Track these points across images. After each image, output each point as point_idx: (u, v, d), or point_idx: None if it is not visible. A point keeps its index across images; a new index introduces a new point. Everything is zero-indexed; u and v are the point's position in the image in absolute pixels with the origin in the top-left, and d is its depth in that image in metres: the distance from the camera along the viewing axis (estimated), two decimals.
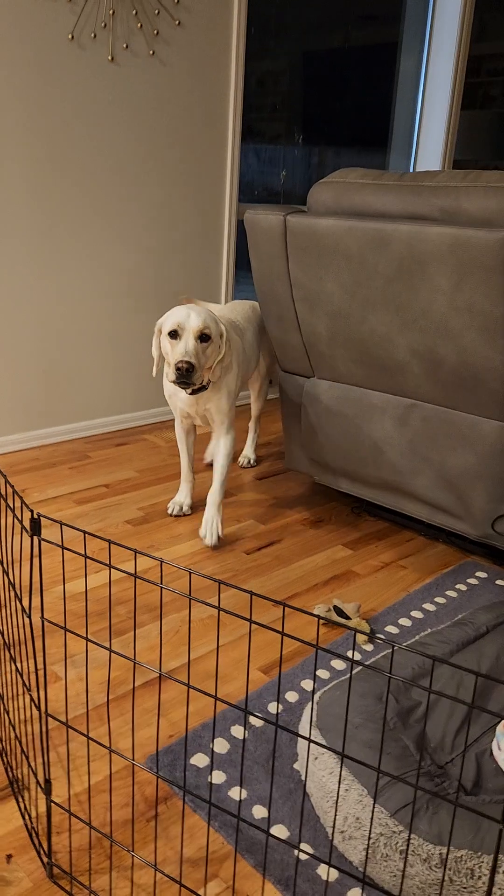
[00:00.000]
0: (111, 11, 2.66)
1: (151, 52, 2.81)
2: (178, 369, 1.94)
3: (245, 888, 1.17)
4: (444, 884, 1.10)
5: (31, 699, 1.06)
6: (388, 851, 1.14)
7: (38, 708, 1.05)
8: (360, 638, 1.79)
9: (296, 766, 1.40)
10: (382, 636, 1.82)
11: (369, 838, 0.91)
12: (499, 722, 1.39)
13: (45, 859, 1.17)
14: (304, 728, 1.42)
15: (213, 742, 1.10)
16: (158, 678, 1.45)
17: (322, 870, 1.20)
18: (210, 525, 2.20)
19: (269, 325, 2.35)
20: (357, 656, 1.75)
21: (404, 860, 0.99)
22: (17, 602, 1.54)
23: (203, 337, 1.98)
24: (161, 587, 0.77)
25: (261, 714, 1.54)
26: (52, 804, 1.28)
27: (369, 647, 1.78)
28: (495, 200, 1.78)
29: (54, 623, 1.02)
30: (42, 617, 0.87)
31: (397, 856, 1.13)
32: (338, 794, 0.84)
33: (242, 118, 3.22)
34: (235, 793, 1.33)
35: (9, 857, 1.20)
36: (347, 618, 1.83)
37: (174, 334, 1.98)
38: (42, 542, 1.40)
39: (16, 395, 2.84)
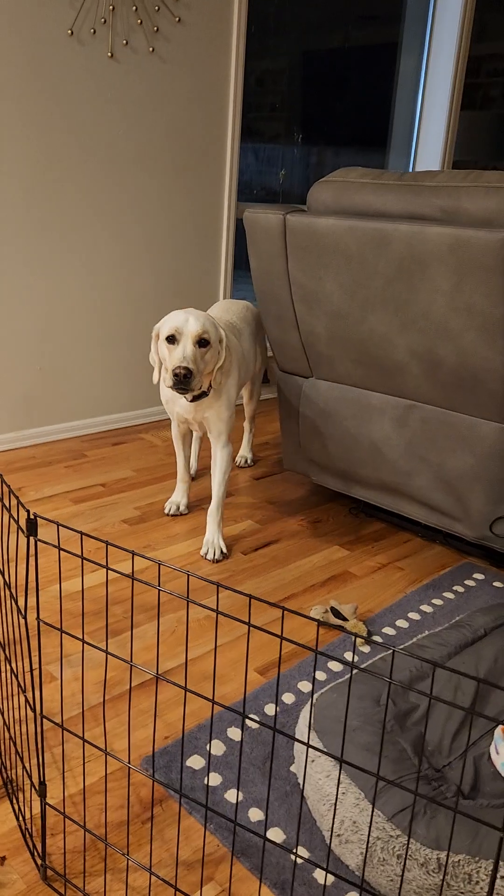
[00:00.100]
0: (111, 7, 2.64)
1: (151, 48, 2.80)
2: (175, 375, 1.87)
3: (241, 892, 1.16)
4: (441, 888, 1.09)
5: (26, 700, 1.05)
6: (385, 856, 1.13)
7: (34, 710, 1.04)
8: (359, 640, 1.78)
9: (292, 768, 1.39)
10: (381, 640, 1.82)
11: (367, 843, 0.90)
12: (496, 725, 1.38)
13: (39, 861, 1.16)
14: (300, 730, 1.41)
15: (209, 745, 1.09)
16: (156, 681, 1.44)
17: (319, 873, 1.19)
18: (211, 545, 2.17)
19: (267, 325, 2.34)
20: (354, 658, 1.74)
21: (402, 865, 0.98)
22: (13, 602, 1.53)
23: (202, 342, 1.91)
24: (159, 589, 0.76)
25: (257, 716, 1.53)
26: (47, 806, 1.27)
27: (366, 649, 1.77)
28: (496, 201, 1.78)
29: (50, 624, 1.01)
30: (38, 618, 0.86)
31: (394, 860, 1.12)
32: (336, 798, 0.83)
33: (242, 117, 3.21)
34: (231, 795, 1.32)
35: (2, 858, 1.19)
36: (344, 619, 1.82)
37: (172, 339, 1.92)
38: (38, 542, 1.38)
39: (12, 393, 2.83)
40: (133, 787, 1.34)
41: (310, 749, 1.30)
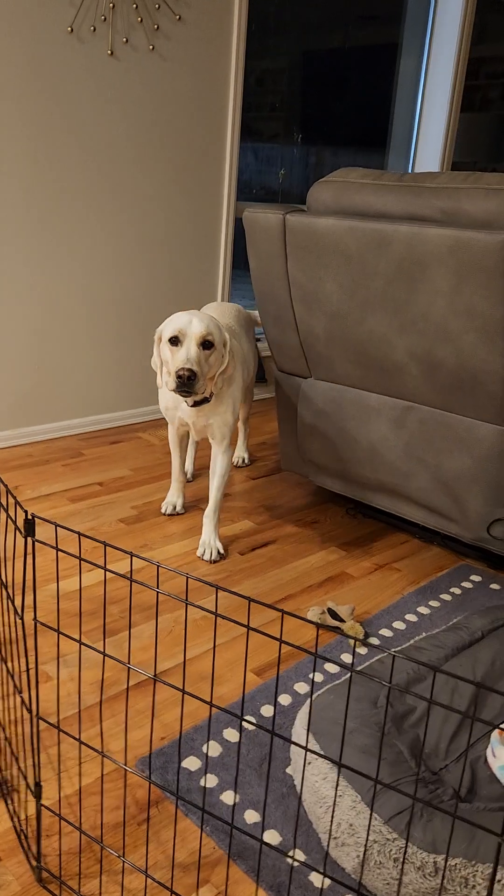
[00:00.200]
0: (111, 5, 2.64)
1: (151, 47, 2.79)
2: (178, 377, 1.83)
3: (237, 895, 1.16)
4: (440, 892, 1.09)
5: (22, 701, 1.04)
6: (382, 859, 1.13)
7: (30, 710, 1.03)
8: (356, 641, 1.78)
9: (288, 770, 1.39)
10: (378, 642, 1.81)
11: (366, 846, 0.90)
12: (493, 728, 1.38)
13: (34, 863, 1.16)
14: (296, 732, 1.41)
15: (207, 746, 1.08)
16: (153, 682, 1.44)
17: (315, 876, 1.19)
18: (208, 546, 2.16)
19: (266, 325, 2.33)
20: (351, 659, 1.74)
21: (401, 868, 0.98)
22: (9, 602, 1.52)
23: (206, 343, 1.88)
24: (157, 591, 0.76)
25: (254, 717, 1.53)
26: (42, 807, 1.26)
27: (363, 650, 1.77)
28: (496, 202, 1.77)
29: (46, 625, 1.01)
30: (35, 618, 0.85)
31: (391, 863, 1.12)
32: (334, 801, 0.82)
33: (241, 116, 3.20)
34: (227, 797, 1.32)
35: None
36: (341, 620, 1.82)
37: (175, 341, 1.88)
38: (36, 542, 1.38)
39: (9, 391, 2.82)
40: (129, 788, 1.34)
41: (306, 751, 1.29)
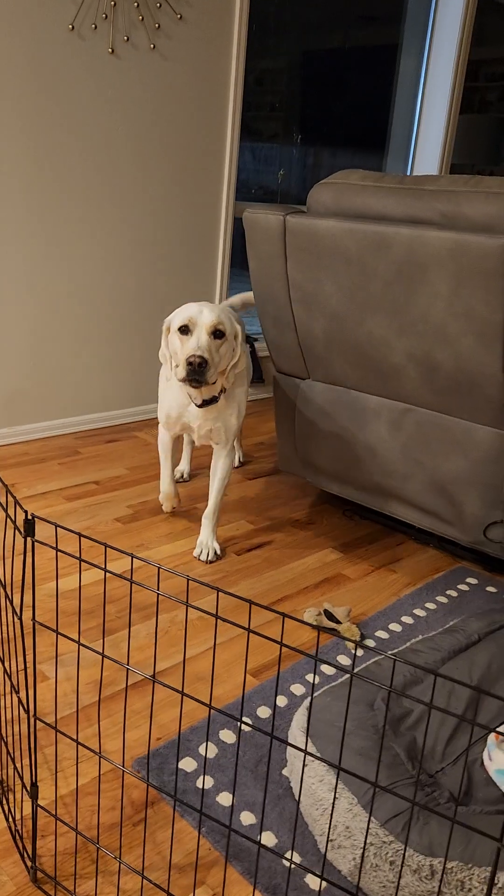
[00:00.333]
0: (112, 3, 2.63)
1: (152, 45, 2.78)
2: (189, 364, 1.78)
3: None
4: (438, 895, 1.09)
5: (19, 701, 1.04)
6: (378, 862, 1.13)
7: (27, 710, 1.03)
8: (352, 644, 1.78)
9: (284, 771, 1.39)
10: (374, 643, 1.82)
11: (364, 849, 0.90)
12: (489, 732, 1.38)
13: (29, 863, 1.16)
14: (293, 734, 1.41)
15: (205, 747, 1.08)
16: (152, 683, 1.44)
17: (311, 878, 1.19)
18: (205, 546, 2.15)
19: (265, 326, 2.33)
20: (347, 660, 1.74)
21: (398, 871, 0.98)
22: (7, 601, 1.52)
23: (217, 333, 1.83)
24: (157, 593, 0.76)
25: (250, 718, 1.53)
26: (38, 807, 1.26)
27: (360, 652, 1.77)
28: (496, 206, 1.78)
29: (45, 625, 1.00)
30: (34, 619, 0.85)
31: (387, 866, 1.12)
32: (332, 804, 0.83)
33: (241, 116, 3.20)
34: (223, 798, 1.32)
35: None
36: (338, 622, 1.82)
37: (185, 330, 1.84)
38: (35, 542, 1.37)
39: (6, 389, 2.81)
40: (125, 788, 1.34)
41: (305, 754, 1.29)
